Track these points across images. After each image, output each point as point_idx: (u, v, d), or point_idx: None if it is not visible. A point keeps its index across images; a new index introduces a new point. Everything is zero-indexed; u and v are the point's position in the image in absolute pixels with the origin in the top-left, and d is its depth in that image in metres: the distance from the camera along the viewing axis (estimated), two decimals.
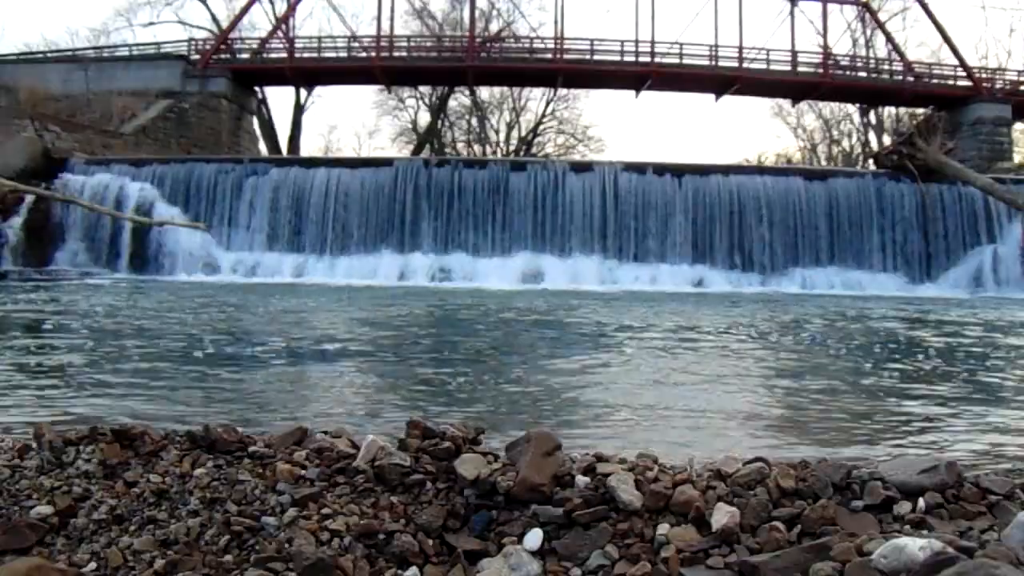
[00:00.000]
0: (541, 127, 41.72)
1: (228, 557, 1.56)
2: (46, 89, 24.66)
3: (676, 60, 28.24)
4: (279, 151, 34.40)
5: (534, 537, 1.60)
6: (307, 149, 38.95)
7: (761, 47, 29.07)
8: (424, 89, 38.18)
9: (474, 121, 41.45)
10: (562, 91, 36.55)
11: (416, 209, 18.97)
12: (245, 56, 29.48)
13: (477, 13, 30.43)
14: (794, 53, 28.84)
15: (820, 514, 1.58)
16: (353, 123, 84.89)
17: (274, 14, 32.32)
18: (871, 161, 27.76)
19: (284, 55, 28.89)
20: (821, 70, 28.64)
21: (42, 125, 20.99)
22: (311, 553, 1.50)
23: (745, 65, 28.22)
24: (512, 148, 41.24)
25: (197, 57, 28.32)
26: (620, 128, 71.92)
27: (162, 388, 3.79)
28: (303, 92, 35.08)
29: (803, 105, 36.12)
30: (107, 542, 1.61)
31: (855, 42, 31.95)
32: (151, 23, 34.33)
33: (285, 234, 19.06)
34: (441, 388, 4.02)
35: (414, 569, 1.56)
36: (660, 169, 19.35)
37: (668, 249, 18.71)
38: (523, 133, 41.75)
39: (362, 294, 13.01)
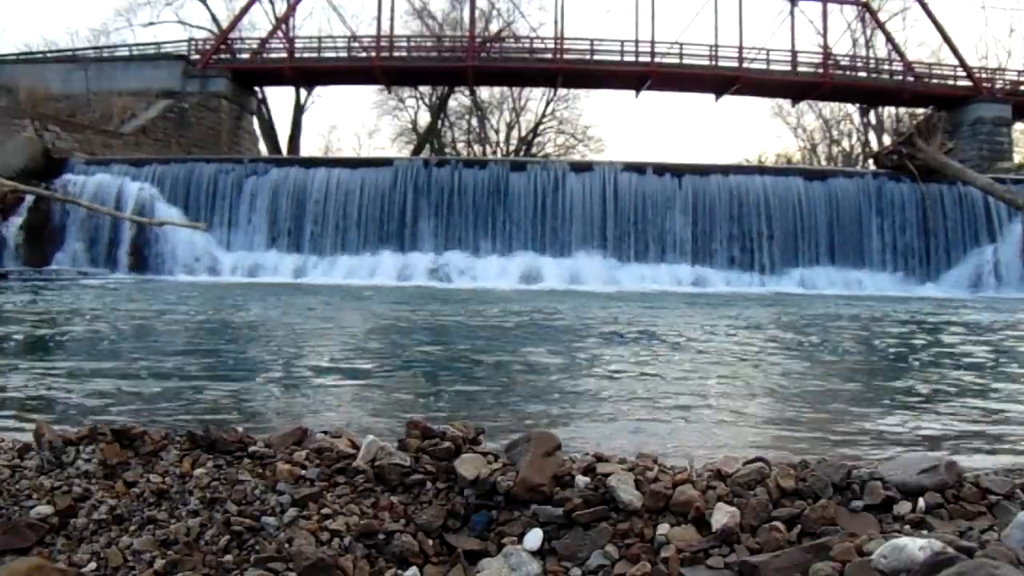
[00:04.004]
0: (541, 127, 41.77)
1: (228, 557, 1.56)
2: (46, 89, 24.66)
3: (676, 60, 28.25)
4: (279, 151, 34.41)
5: (534, 537, 1.60)
6: (307, 149, 39.00)
7: (761, 47, 29.12)
8: (424, 89, 38.20)
9: (474, 121, 41.46)
10: (562, 91, 36.57)
11: (416, 209, 18.97)
12: (245, 56, 29.48)
13: (477, 13, 30.45)
14: (794, 53, 28.85)
15: (820, 514, 1.58)
16: (353, 123, 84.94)
17: (274, 14, 32.36)
18: (871, 161, 27.76)
19: (284, 55, 28.89)
20: (821, 70, 28.64)
21: (42, 125, 20.99)
22: (311, 553, 1.50)
23: (745, 65, 28.22)
24: (512, 148, 41.24)
25: (197, 57, 28.32)
26: (620, 128, 71.96)
27: (161, 388, 3.79)
28: (303, 92, 35.10)
29: (803, 105, 36.14)
30: (107, 542, 1.61)
31: (855, 42, 31.98)
32: (151, 23, 34.39)
33: (285, 234, 19.07)
34: (441, 388, 4.02)
35: (414, 569, 1.56)
36: (660, 169, 19.35)
37: (668, 249, 18.71)
38: (523, 133, 41.78)
39: (362, 294, 13.01)
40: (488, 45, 30.53)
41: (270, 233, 19.06)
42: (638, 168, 19.34)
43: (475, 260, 18.38)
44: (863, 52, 31.72)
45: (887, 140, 32.25)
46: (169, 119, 26.14)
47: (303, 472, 1.78)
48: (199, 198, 19.13)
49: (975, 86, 28.07)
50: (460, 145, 41.98)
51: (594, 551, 1.57)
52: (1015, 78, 29.69)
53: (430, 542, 1.63)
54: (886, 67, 30.16)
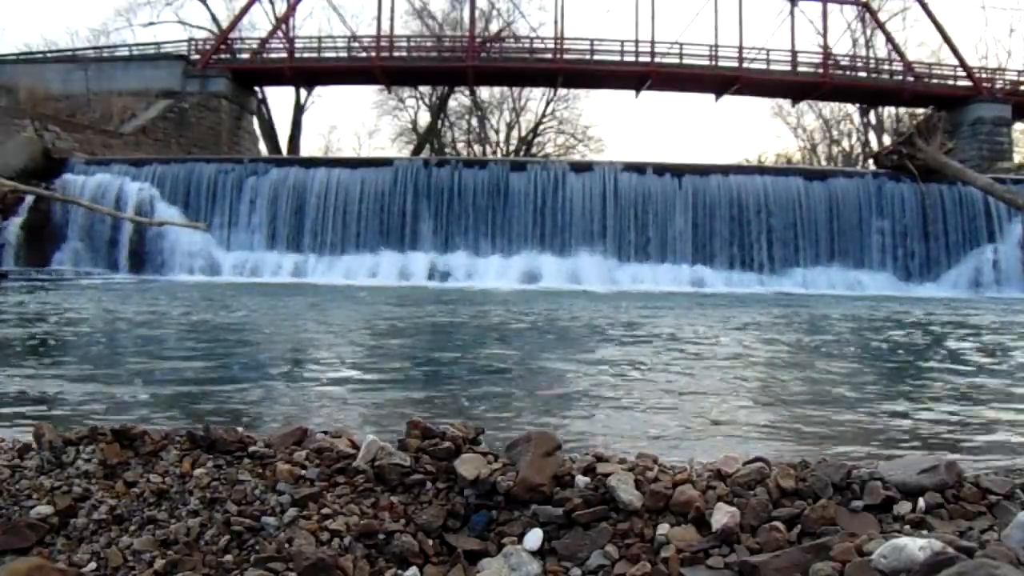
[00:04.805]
0: (541, 127, 41.77)
1: (228, 557, 1.56)
2: (46, 89, 24.66)
3: (676, 60, 28.25)
4: (279, 151, 34.41)
5: (534, 537, 1.60)
6: (307, 149, 39.00)
7: (761, 47, 29.12)
8: (424, 89, 38.20)
9: (474, 121, 41.46)
10: (562, 91, 36.57)
11: (416, 209, 18.98)
12: (245, 56, 29.48)
13: (477, 13, 30.44)
14: (794, 53, 28.85)
15: (820, 514, 1.58)
16: (353, 123, 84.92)
17: (274, 14, 32.35)
18: (871, 161, 27.76)
19: (284, 55, 28.90)
20: (821, 70, 28.64)
21: (42, 125, 20.99)
22: (311, 553, 1.50)
23: (745, 65, 28.22)
24: (512, 148, 41.24)
25: (197, 57, 28.32)
26: (620, 128, 71.96)
27: (162, 388, 3.79)
28: (303, 92, 35.10)
29: (803, 105, 36.14)
30: (107, 542, 1.61)
31: (855, 42, 31.98)
32: (151, 23, 34.40)
33: (285, 234, 19.07)
34: (441, 388, 4.02)
35: (414, 569, 1.56)
36: (660, 169, 19.35)
37: (668, 249, 18.72)
38: (523, 133, 41.78)
39: (361, 294, 13.01)
40: (488, 45, 30.53)
41: (270, 233, 19.07)
42: (638, 168, 19.35)
43: (475, 260, 18.38)
44: (863, 52, 31.73)
45: (887, 140, 32.25)
46: (169, 119, 26.14)
47: (303, 472, 1.78)
48: (199, 198, 19.14)
49: (975, 86, 28.07)
50: (460, 145, 41.99)
51: (594, 551, 1.57)
52: (1015, 78, 29.69)
53: (430, 542, 1.63)
54: (886, 67, 30.17)
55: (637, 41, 28.12)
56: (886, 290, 17.40)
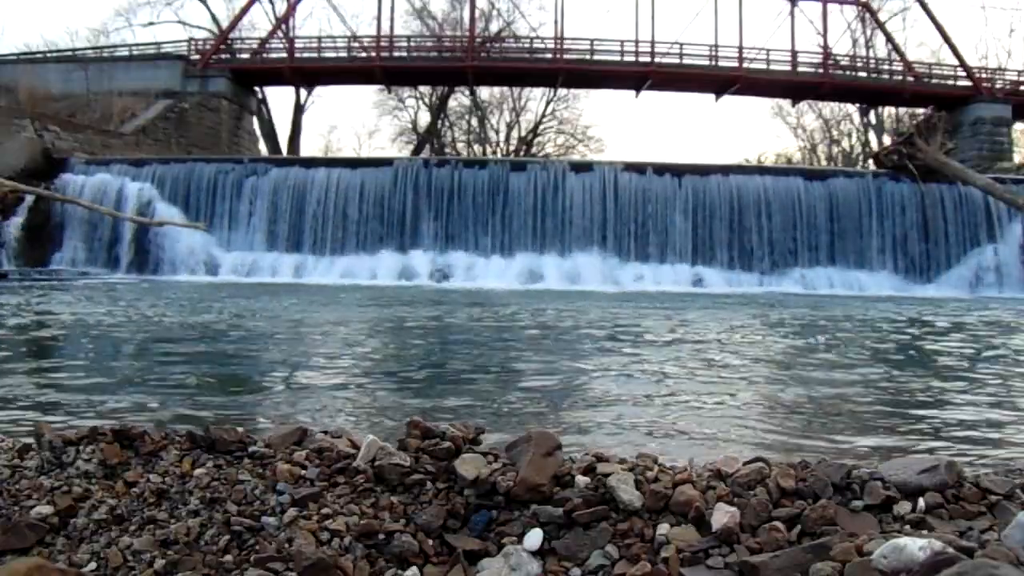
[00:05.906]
0: (541, 127, 41.77)
1: (228, 557, 1.56)
2: (46, 89, 24.66)
3: (676, 60, 28.27)
4: (279, 151, 34.40)
5: (534, 537, 1.60)
6: (307, 149, 38.99)
7: (761, 47, 29.14)
8: (424, 89, 38.20)
9: (474, 121, 41.46)
10: (562, 91, 36.59)
11: (416, 209, 18.98)
12: (245, 56, 29.49)
13: (477, 13, 30.44)
14: (794, 53, 28.86)
15: (820, 514, 1.58)
16: (353, 123, 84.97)
17: (274, 14, 32.34)
18: (871, 161, 27.77)
19: (284, 55, 28.91)
20: (821, 70, 28.65)
21: (42, 125, 20.99)
22: (311, 553, 1.50)
23: (745, 65, 28.23)
24: (512, 148, 41.24)
25: (197, 57, 28.32)
26: (620, 128, 71.97)
27: (161, 388, 3.79)
28: (303, 92, 35.10)
29: (803, 105, 36.15)
30: (107, 542, 1.61)
31: (855, 42, 32.00)
32: (151, 23, 34.39)
33: (285, 234, 19.08)
34: (441, 388, 4.02)
35: (414, 569, 1.56)
36: (660, 169, 19.36)
37: (668, 249, 18.72)
38: (523, 133, 41.77)
39: (361, 294, 13.01)
40: (488, 45, 30.54)
41: (270, 233, 19.08)
42: (638, 168, 19.35)
43: (475, 260, 18.39)
44: (863, 52, 31.74)
45: (887, 140, 32.24)
46: (169, 119, 26.13)
47: (303, 472, 1.77)
48: (199, 198, 19.15)
49: (975, 86, 28.07)
50: (460, 145, 41.99)
51: (594, 551, 1.57)
52: (1015, 78, 29.70)
53: (430, 542, 1.63)
54: (886, 67, 30.17)
55: (637, 41, 28.14)
56: (886, 290, 17.41)
